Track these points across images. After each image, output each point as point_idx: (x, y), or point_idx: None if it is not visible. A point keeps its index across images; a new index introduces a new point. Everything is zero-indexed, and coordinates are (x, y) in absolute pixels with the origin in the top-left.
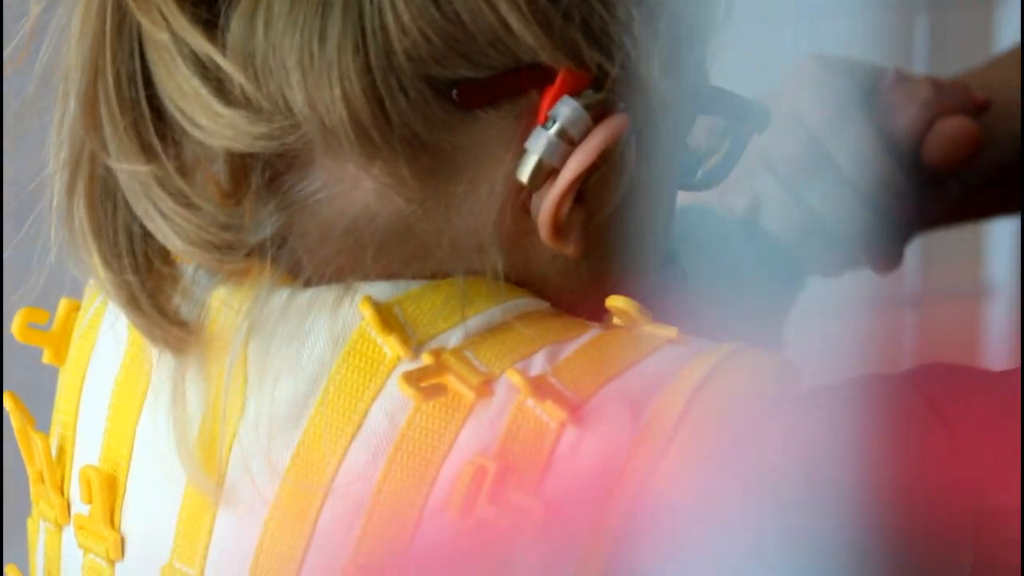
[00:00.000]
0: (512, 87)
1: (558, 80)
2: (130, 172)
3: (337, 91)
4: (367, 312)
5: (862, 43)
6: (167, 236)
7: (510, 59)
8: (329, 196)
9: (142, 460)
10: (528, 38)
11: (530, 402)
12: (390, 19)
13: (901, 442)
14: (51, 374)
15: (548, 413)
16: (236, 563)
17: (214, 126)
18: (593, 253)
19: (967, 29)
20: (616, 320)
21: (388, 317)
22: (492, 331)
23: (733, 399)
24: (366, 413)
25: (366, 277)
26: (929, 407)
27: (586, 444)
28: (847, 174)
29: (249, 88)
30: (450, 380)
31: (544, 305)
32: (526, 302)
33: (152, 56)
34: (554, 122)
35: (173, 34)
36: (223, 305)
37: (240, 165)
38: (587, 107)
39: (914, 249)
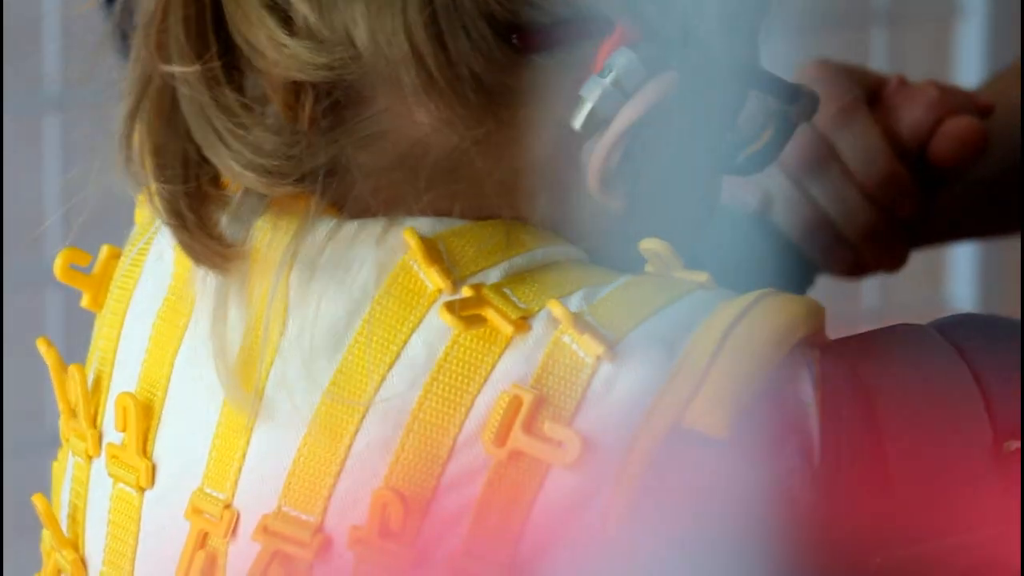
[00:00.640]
0: (571, 35)
1: (616, 32)
2: (193, 97)
3: (400, 25)
4: (412, 242)
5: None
6: (222, 158)
7: (571, 8)
8: (384, 130)
9: (180, 386)
10: None
11: (567, 337)
12: None
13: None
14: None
15: (584, 348)
16: (268, 486)
17: (277, 56)
18: (636, 214)
19: (926, 45)
20: (648, 265)
21: (431, 250)
22: (531, 272)
23: (766, 339)
24: (405, 342)
25: (411, 212)
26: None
27: (621, 379)
28: (854, 171)
29: (313, 19)
30: (489, 313)
31: (582, 255)
32: (566, 249)
33: None
34: (610, 72)
35: None
36: (269, 230)
37: (300, 95)
38: (642, 60)
39: None
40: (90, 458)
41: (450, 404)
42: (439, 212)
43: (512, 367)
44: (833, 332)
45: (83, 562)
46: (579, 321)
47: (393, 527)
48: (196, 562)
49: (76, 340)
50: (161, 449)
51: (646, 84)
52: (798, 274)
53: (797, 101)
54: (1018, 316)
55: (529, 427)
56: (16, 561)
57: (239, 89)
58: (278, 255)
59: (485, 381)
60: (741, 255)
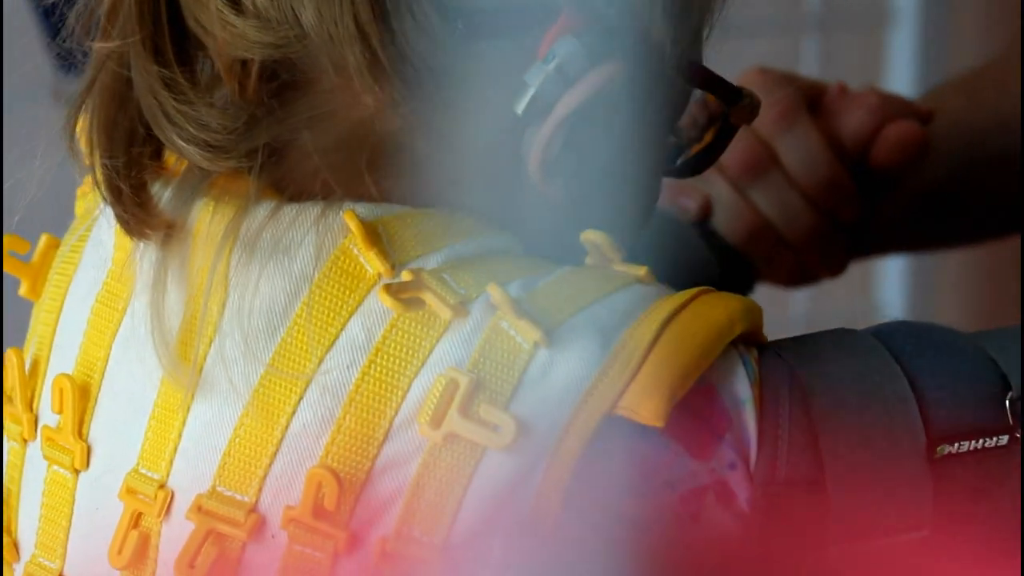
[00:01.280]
0: (517, 21)
1: (561, 19)
2: (142, 75)
3: (346, 5)
4: (352, 225)
5: (748, 65)
6: (166, 131)
7: None
8: (328, 111)
9: (117, 368)
10: None
11: (504, 323)
12: None
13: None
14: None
15: (522, 334)
16: (203, 465)
17: (225, 35)
18: (575, 206)
19: (858, 51)
20: (588, 257)
21: (371, 234)
22: (471, 260)
23: (704, 333)
24: (344, 325)
25: (352, 196)
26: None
27: (557, 365)
28: (794, 175)
29: (262, 1)
30: (428, 297)
31: (520, 245)
32: (506, 240)
33: None
34: (553, 58)
35: None
36: (210, 211)
37: (247, 73)
38: (586, 48)
39: None
40: (25, 442)
41: (387, 386)
42: (379, 197)
43: (449, 351)
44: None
45: (15, 546)
46: (517, 307)
47: (327, 507)
48: (129, 542)
49: (13, 327)
50: (97, 430)
51: (589, 72)
52: (738, 280)
53: (738, 103)
54: (948, 324)
55: (465, 410)
56: None
57: (190, 70)
58: (218, 235)
59: (423, 364)
60: (681, 260)
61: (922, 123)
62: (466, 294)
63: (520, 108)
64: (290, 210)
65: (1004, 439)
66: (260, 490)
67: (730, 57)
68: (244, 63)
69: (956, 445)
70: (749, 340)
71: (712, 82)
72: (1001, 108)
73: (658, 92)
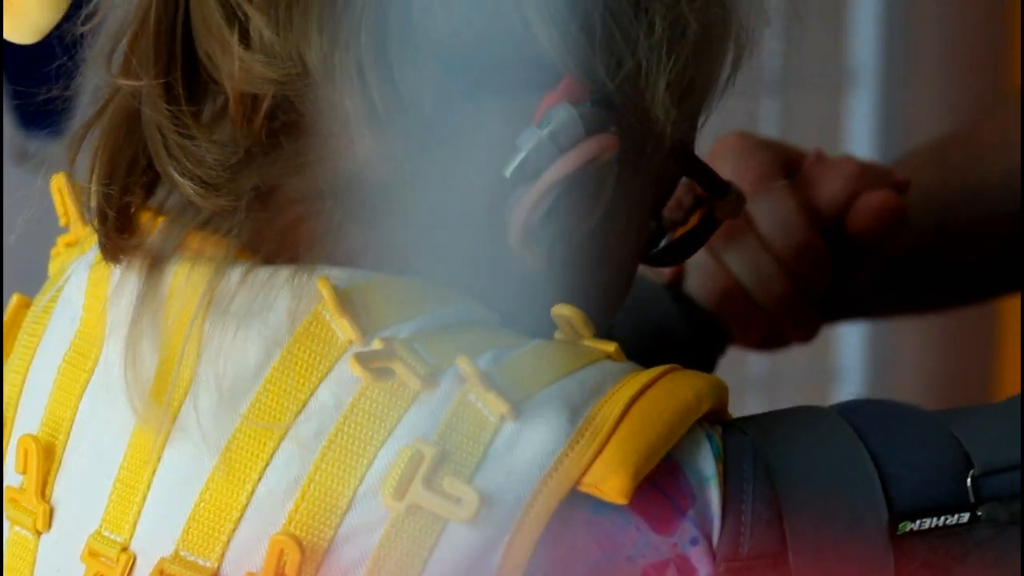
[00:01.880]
0: (517, 82)
1: (561, 85)
2: (151, 107)
3: (351, 51)
4: (325, 292)
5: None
6: (164, 164)
7: (522, 56)
8: (317, 158)
9: (83, 428)
10: (544, 39)
11: (472, 396)
12: None
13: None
14: None
15: (489, 406)
16: (167, 529)
17: (232, 68)
18: (552, 278)
19: (818, 112)
20: (558, 332)
21: (344, 301)
22: (443, 330)
23: (670, 411)
24: (313, 391)
25: (329, 253)
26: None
27: (523, 439)
28: (768, 240)
29: (268, 35)
30: (398, 367)
31: (495, 318)
32: (479, 311)
33: (192, 2)
34: (548, 124)
35: None
36: (185, 270)
37: (254, 109)
38: (582, 117)
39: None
40: None
41: (353, 455)
42: (356, 255)
43: (416, 422)
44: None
45: None
46: (486, 379)
47: (288, 575)
48: None
49: None
50: (60, 491)
51: (582, 142)
52: (709, 343)
53: (725, 196)
54: (908, 387)
55: (428, 482)
56: None
57: (198, 105)
58: (193, 296)
59: (389, 434)
60: (653, 322)
61: (899, 192)
62: (436, 365)
63: (508, 171)
64: (263, 273)
65: (965, 516)
66: (223, 555)
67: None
68: (253, 98)
69: (918, 522)
70: (714, 417)
71: (702, 173)
72: (969, 180)
73: (648, 173)
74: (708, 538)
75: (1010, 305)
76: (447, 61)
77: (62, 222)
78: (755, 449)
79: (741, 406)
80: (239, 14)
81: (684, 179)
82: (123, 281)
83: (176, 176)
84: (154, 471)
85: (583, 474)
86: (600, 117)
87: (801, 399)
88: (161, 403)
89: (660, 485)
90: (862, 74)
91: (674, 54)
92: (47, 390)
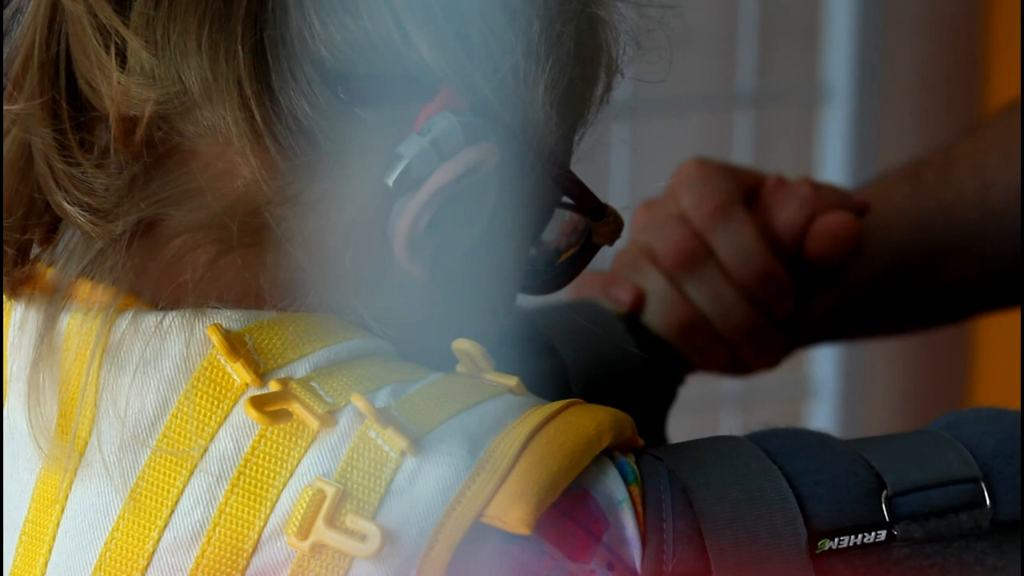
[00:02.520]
0: (398, 92)
1: (440, 95)
2: (39, 137)
3: (229, 65)
4: (215, 339)
5: (682, 141)
6: (54, 195)
7: (400, 66)
8: (202, 186)
9: None
10: (422, 49)
11: (372, 432)
12: (292, 5)
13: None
14: None
15: (389, 442)
16: None
17: (110, 91)
18: (439, 293)
19: (792, 128)
20: (460, 366)
21: (238, 344)
22: (340, 365)
23: (572, 442)
24: (212, 437)
25: (214, 293)
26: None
27: (424, 473)
28: (729, 268)
29: (146, 57)
30: (295, 407)
31: (390, 348)
32: (377, 344)
33: (70, 31)
34: (428, 132)
35: (87, 5)
36: (77, 321)
37: (130, 128)
38: (463, 125)
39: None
40: None
41: (256, 499)
42: (244, 285)
43: (317, 461)
44: (695, 414)
45: None
46: (384, 415)
47: None
48: None
49: None
50: None
51: (463, 150)
52: (670, 373)
53: (601, 220)
54: (881, 400)
55: (331, 520)
56: None
57: (85, 133)
58: (86, 347)
59: (291, 475)
60: (613, 353)
61: (857, 214)
62: (334, 402)
63: (391, 179)
64: (152, 319)
65: (883, 534)
66: None
67: (663, 133)
68: (134, 120)
69: (836, 540)
70: (624, 447)
71: (578, 191)
72: (944, 196)
73: (527, 184)
74: (624, 561)
75: (984, 321)
76: (325, 72)
77: None
78: (670, 472)
79: (714, 423)
80: (116, 38)
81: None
82: (21, 331)
83: (65, 205)
84: (59, 521)
85: (485, 506)
86: (480, 126)
87: (775, 416)
88: (66, 441)
89: (570, 513)
90: (835, 90)
91: (549, 59)
92: None
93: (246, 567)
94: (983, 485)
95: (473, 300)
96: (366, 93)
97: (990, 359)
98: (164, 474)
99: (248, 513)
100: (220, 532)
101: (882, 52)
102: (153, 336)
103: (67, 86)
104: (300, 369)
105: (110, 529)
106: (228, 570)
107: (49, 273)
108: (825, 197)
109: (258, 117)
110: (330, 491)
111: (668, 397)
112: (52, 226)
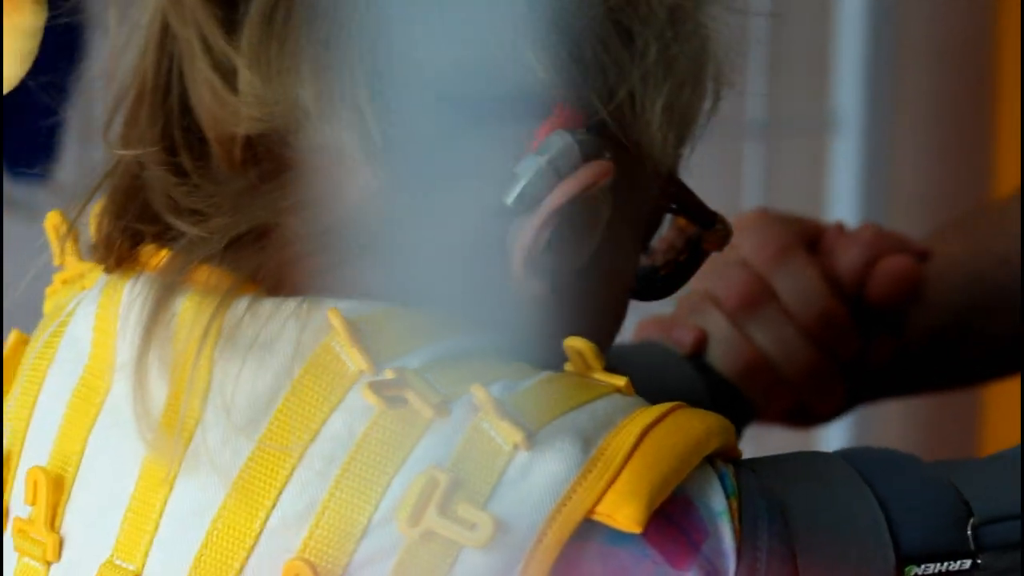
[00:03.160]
0: (512, 113)
1: (555, 113)
2: (151, 166)
3: (346, 87)
4: (336, 323)
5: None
6: (166, 213)
7: (515, 86)
8: (317, 196)
9: (93, 459)
10: (537, 69)
11: (486, 424)
12: (409, 28)
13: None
14: None
15: (503, 435)
16: (180, 557)
17: (222, 112)
18: (555, 309)
19: (802, 158)
20: (568, 364)
21: (354, 332)
22: (452, 360)
23: (682, 445)
24: (325, 421)
25: (332, 286)
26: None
27: (536, 467)
28: (791, 310)
29: (256, 80)
30: (411, 395)
31: (503, 348)
32: (488, 341)
33: (182, 54)
34: (546, 151)
35: (198, 29)
36: (193, 304)
37: (237, 148)
38: (579, 144)
39: None
40: None
41: (367, 483)
42: (361, 287)
43: (430, 450)
44: None
45: None
46: (500, 408)
47: None
48: None
49: None
50: (70, 522)
51: (580, 169)
52: (735, 415)
53: (712, 227)
54: (891, 441)
55: (443, 508)
56: None
57: (193, 152)
58: (200, 329)
59: (403, 462)
60: (677, 394)
61: (919, 259)
62: (448, 394)
63: (510, 199)
64: (268, 304)
65: (967, 563)
66: None
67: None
68: (245, 140)
69: (923, 567)
70: (723, 456)
71: (690, 201)
72: (999, 247)
73: (640, 200)
74: (720, 573)
75: None
76: (442, 93)
77: (56, 261)
78: (767, 488)
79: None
80: (225, 62)
81: (672, 220)
82: (131, 314)
83: (179, 225)
84: (166, 499)
85: (596, 503)
86: (595, 143)
87: (788, 444)
88: (171, 435)
89: (674, 519)
90: (846, 119)
91: (666, 80)
92: (56, 424)
93: (354, 551)
94: None
95: (587, 311)
96: (482, 114)
97: (1004, 394)
98: (275, 455)
99: (359, 498)
100: (329, 515)
101: (893, 82)
102: (270, 320)
103: (180, 111)
104: (414, 361)
105: (217, 509)
106: (336, 553)
107: (163, 254)
108: (887, 242)
109: (375, 136)
110: (443, 479)
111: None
112: (164, 231)
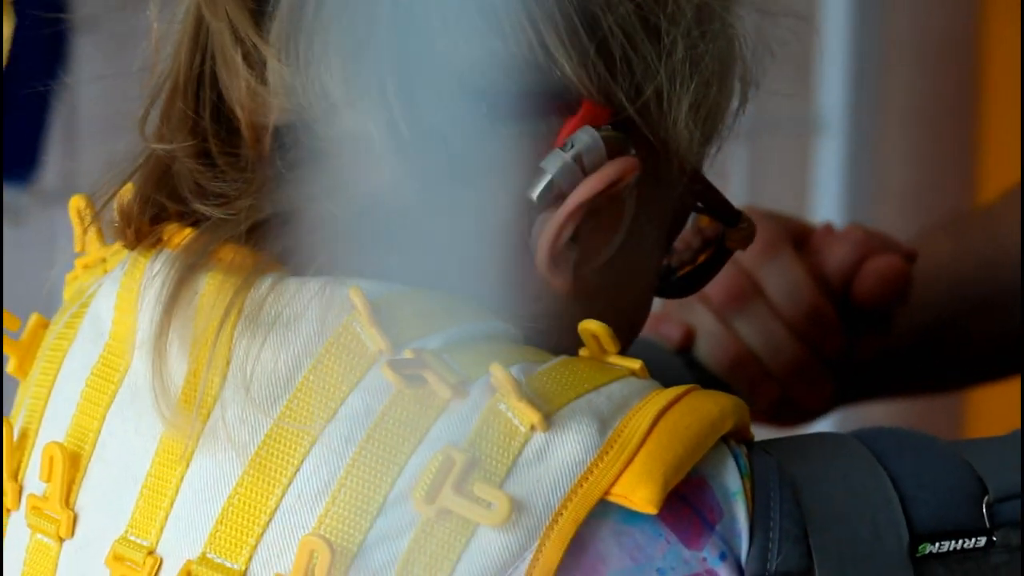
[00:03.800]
0: (539, 108)
1: (582, 109)
2: (183, 147)
3: (373, 79)
4: (358, 302)
5: None
6: (193, 199)
7: (542, 81)
8: (345, 181)
9: (110, 437)
10: (564, 65)
11: (503, 405)
12: (437, 22)
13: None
14: None
15: (520, 416)
16: (195, 531)
17: (252, 103)
18: (578, 304)
19: (787, 159)
20: (583, 349)
21: (374, 312)
22: (470, 343)
23: (697, 425)
24: (344, 399)
25: (356, 270)
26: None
27: (553, 448)
28: (777, 305)
29: (284, 70)
30: (429, 375)
31: (518, 334)
32: (505, 327)
33: (214, 44)
34: (572, 147)
35: (228, 21)
36: (216, 280)
37: (267, 136)
38: (604, 140)
39: None
40: (8, 512)
41: (384, 461)
42: (383, 273)
43: (447, 429)
44: None
45: None
46: (518, 388)
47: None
48: None
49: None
50: (85, 499)
51: (606, 164)
52: None
53: (737, 225)
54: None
55: (459, 487)
56: None
57: (221, 137)
58: (223, 304)
59: (420, 441)
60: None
61: (906, 260)
62: (465, 375)
63: (535, 194)
64: (293, 283)
65: (982, 541)
66: (251, 557)
67: None
68: (275, 129)
69: (937, 545)
70: (737, 437)
71: (715, 200)
72: (986, 252)
73: (664, 198)
74: (734, 553)
75: None
76: (468, 86)
77: (77, 247)
78: (780, 468)
79: None
80: (255, 53)
81: (691, 221)
82: (150, 292)
83: (201, 207)
84: (183, 476)
85: (612, 484)
86: (621, 140)
87: (776, 434)
88: (190, 412)
89: (688, 499)
90: (830, 121)
91: (694, 79)
92: (74, 402)
93: (370, 528)
94: None
95: (610, 307)
96: (508, 108)
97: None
98: (292, 432)
99: (375, 475)
100: (346, 492)
101: (877, 83)
102: (293, 299)
103: (211, 99)
104: (432, 343)
105: (234, 484)
106: (351, 530)
107: (187, 232)
108: (875, 242)
109: (403, 127)
110: (459, 458)
111: None
112: (188, 213)
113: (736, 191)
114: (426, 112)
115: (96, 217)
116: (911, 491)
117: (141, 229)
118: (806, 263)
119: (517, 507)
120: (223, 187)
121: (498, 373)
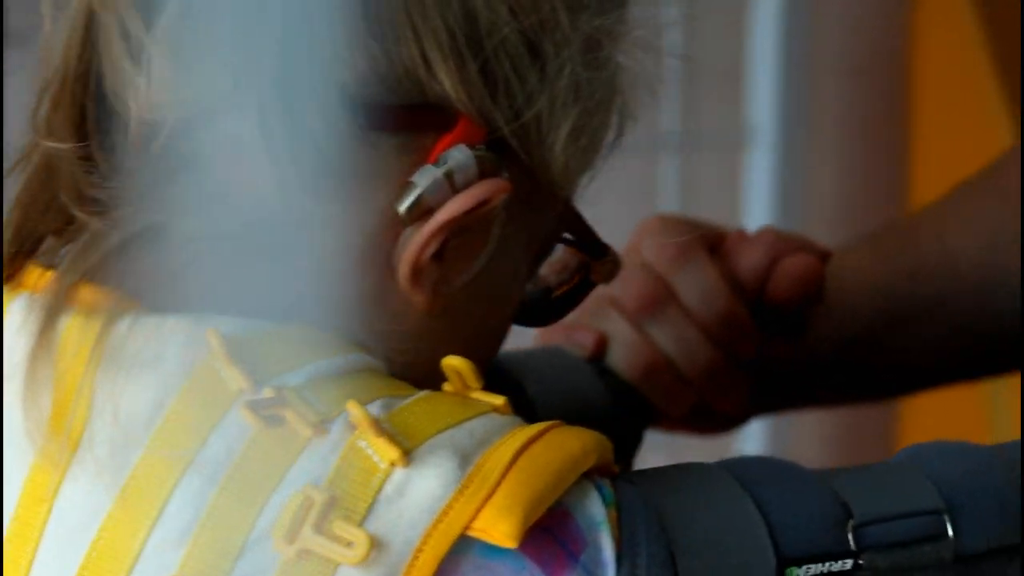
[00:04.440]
0: (415, 122)
1: (458, 127)
2: (65, 143)
3: (253, 81)
4: (214, 342)
5: (607, 184)
6: (69, 194)
7: (420, 95)
8: (217, 193)
9: None
10: (444, 80)
11: (362, 442)
12: (323, 27)
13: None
14: None
15: (379, 453)
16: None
17: (133, 99)
18: (437, 320)
19: (716, 171)
20: (447, 384)
21: (234, 351)
22: (332, 379)
23: (558, 461)
24: (204, 441)
25: (219, 300)
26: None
27: (413, 485)
28: (691, 310)
29: (169, 69)
30: (289, 414)
31: (381, 366)
32: (368, 361)
33: (100, 39)
34: (444, 163)
35: (117, 14)
36: (77, 323)
37: (146, 145)
38: (478, 159)
39: None
40: None
41: (244, 502)
42: (245, 299)
43: (307, 468)
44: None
45: None
46: (376, 426)
47: None
48: None
49: None
50: None
51: (477, 183)
52: (635, 417)
53: (601, 258)
54: (806, 449)
55: (319, 526)
56: None
57: (103, 136)
58: (86, 348)
59: (280, 481)
60: (577, 397)
61: (819, 259)
62: (326, 412)
63: (403, 207)
64: (151, 321)
65: (848, 564)
66: None
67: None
68: (149, 125)
69: (804, 568)
70: (601, 471)
71: (582, 231)
72: (904, 262)
73: (533, 224)
74: None
75: None
76: (349, 95)
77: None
78: (645, 497)
79: (642, 464)
80: (141, 49)
81: (567, 242)
82: (21, 331)
83: (76, 208)
84: (48, 516)
85: (472, 519)
86: (494, 161)
87: (703, 456)
88: (59, 437)
89: (552, 530)
90: (760, 134)
91: (575, 105)
92: None
93: (231, 571)
94: (946, 517)
95: (469, 329)
96: (385, 120)
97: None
98: (155, 474)
99: (236, 516)
100: (207, 534)
101: (807, 95)
102: (152, 338)
103: (97, 94)
104: (294, 379)
105: (98, 528)
106: (213, 572)
107: (48, 276)
108: (787, 243)
109: (278, 131)
110: (319, 498)
111: (634, 441)
112: (68, 223)
113: (667, 203)
114: (303, 118)
115: None
116: (777, 517)
117: (13, 272)
118: (719, 267)
119: (377, 545)
120: (100, 192)
121: (355, 411)
